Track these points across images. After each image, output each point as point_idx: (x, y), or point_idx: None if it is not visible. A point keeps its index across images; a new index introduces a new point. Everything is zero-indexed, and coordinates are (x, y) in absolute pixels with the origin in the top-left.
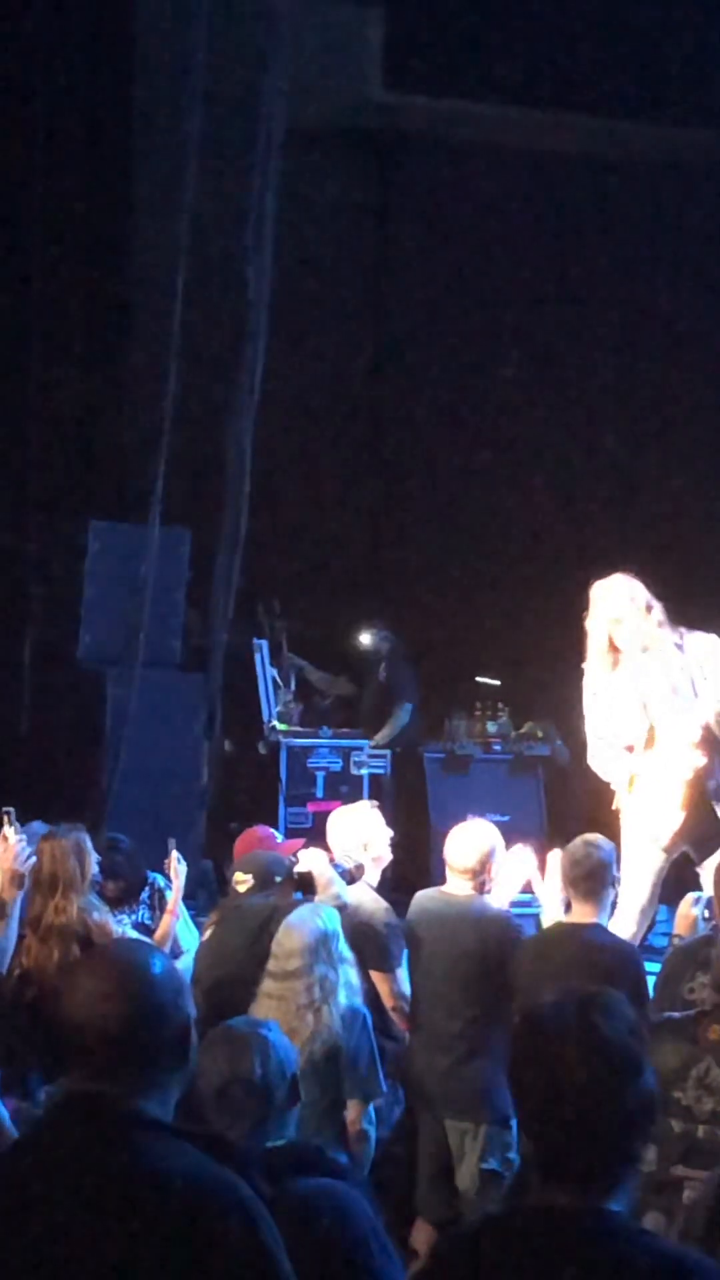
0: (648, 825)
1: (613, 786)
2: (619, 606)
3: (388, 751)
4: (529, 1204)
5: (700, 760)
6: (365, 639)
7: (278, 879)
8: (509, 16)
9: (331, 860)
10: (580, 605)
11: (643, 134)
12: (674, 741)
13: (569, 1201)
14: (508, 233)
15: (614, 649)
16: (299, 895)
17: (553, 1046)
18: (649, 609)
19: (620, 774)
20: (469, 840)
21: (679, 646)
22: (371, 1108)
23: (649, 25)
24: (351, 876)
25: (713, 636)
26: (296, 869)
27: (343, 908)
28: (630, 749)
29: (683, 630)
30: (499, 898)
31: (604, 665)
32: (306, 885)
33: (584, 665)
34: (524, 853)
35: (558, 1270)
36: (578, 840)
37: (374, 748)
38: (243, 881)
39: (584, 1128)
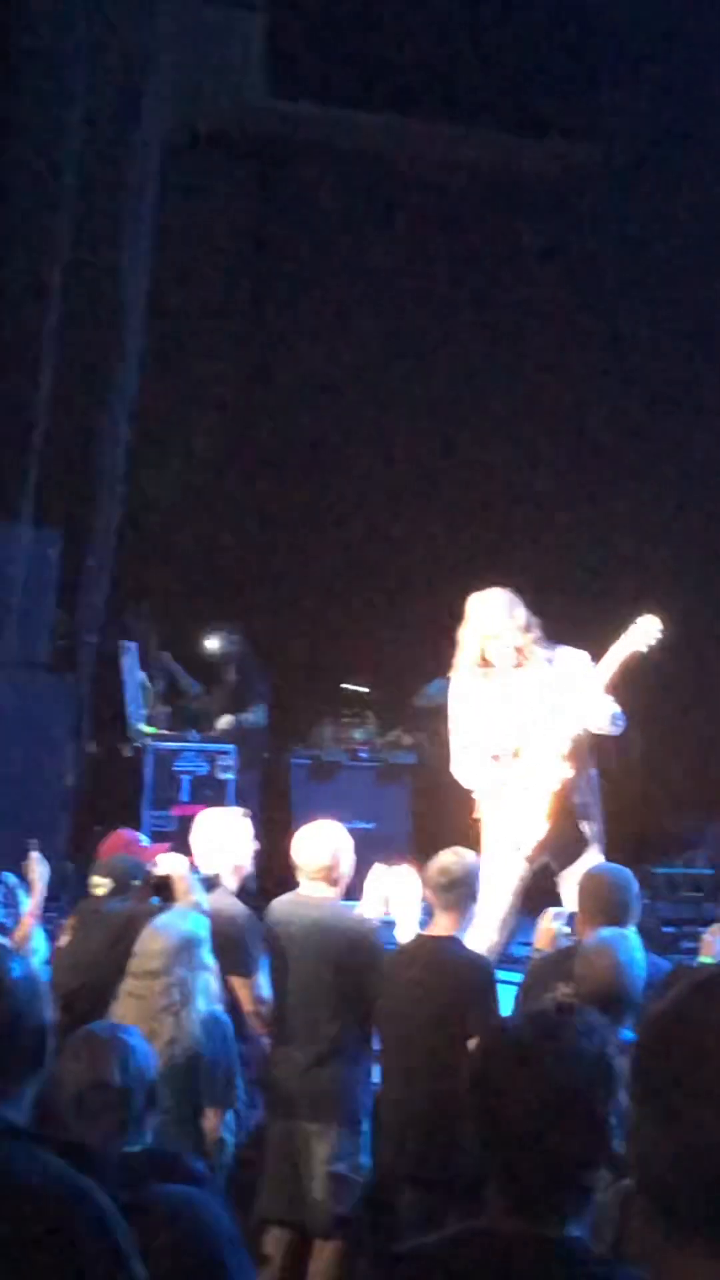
0: (511, 834)
1: (476, 795)
2: (496, 621)
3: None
4: (486, 1229)
5: (568, 772)
6: (213, 643)
7: (135, 883)
8: (394, 25)
9: (192, 865)
10: (446, 613)
11: (517, 146)
12: (542, 753)
13: (527, 1228)
14: (387, 239)
15: (485, 663)
16: (156, 900)
17: (511, 1072)
18: (526, 627)
19: (485, 783)
20: (317, 840)
21: (549, 661)
22: (230, 1115)
23: (528, 40)
24: (210, 883)
25: (582, 653)
26: (155, 873)
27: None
28: (496, 758)
29: (554, 645)
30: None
31: (474, 677)
32: (164, 890)
33: (451, 674)
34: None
35: None
36: (445, 851)
37: (219, 730)
38: (100, 885)
39: (542, 1155)
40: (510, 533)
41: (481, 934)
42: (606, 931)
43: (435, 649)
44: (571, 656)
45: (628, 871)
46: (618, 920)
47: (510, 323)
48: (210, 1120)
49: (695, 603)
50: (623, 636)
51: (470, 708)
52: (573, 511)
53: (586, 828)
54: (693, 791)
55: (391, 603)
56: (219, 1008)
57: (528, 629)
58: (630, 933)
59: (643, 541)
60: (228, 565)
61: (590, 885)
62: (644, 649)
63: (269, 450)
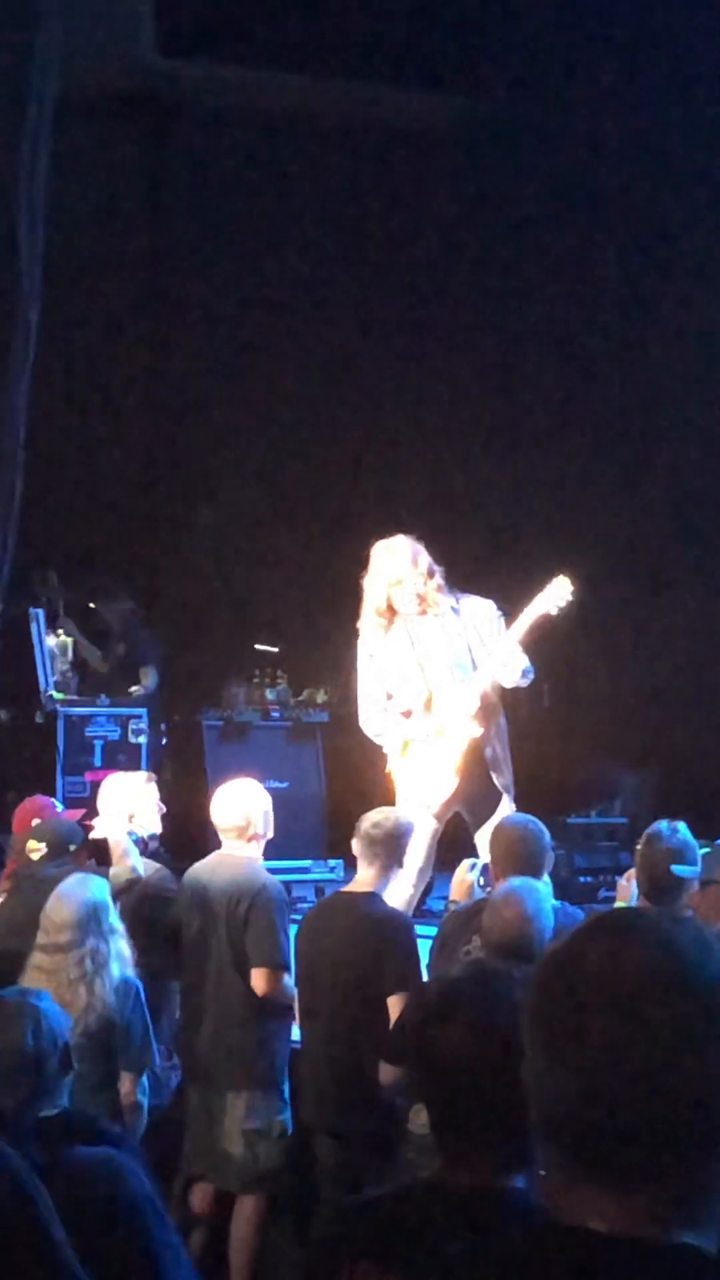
0: (419, 791)
1: (385, 750)
2: (400, 568)
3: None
4: (432, 1183)
5: (476, 731)
6: (102, 608)
7: (72, 847)
8: None
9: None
10: (357, 569)
11: (412, 101)
12: (451, 711)
13: (471, 1181)
14: (280, 198)
15: (390, 610)
16: (93, 864)
17: (448, 1025)
18: (430, 573)
19: (394, 738)
20: (231, 800)
21: (455, 610)
22: (145, 1078)
23: None
24: (145, 845)
25: (488, 601)
26: (92, 836)
27: (137, 879)
28: (407, 714)
29: (458, 594)
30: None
31: (379, 626)
32: (101, 854)
33: (358, 625)
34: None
35: (460, 1249)
36: (376, 810)
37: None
38: (35, 850)
39: (480, 1107)
40: (421, 491)
41: (398, 887)
42: (514, 881)
43: (346, 606)
44: (477, 605)
45: (539, 822)
46: (530, 870)
47: (411, 276)
48: (126, 1085)
49: (605, 553)
50: (536, 598)
51: (377, 660)
52: (486, 469)
53: (498, 779)
54: (607, 742)
55: (303, 561)
56: (131, 971)
57: (431, 575)
58: (539, 882)
59: (553, 495)
60: (137, 530)
61: (502, 837)
62: (554, 611)
63: (172, 409)
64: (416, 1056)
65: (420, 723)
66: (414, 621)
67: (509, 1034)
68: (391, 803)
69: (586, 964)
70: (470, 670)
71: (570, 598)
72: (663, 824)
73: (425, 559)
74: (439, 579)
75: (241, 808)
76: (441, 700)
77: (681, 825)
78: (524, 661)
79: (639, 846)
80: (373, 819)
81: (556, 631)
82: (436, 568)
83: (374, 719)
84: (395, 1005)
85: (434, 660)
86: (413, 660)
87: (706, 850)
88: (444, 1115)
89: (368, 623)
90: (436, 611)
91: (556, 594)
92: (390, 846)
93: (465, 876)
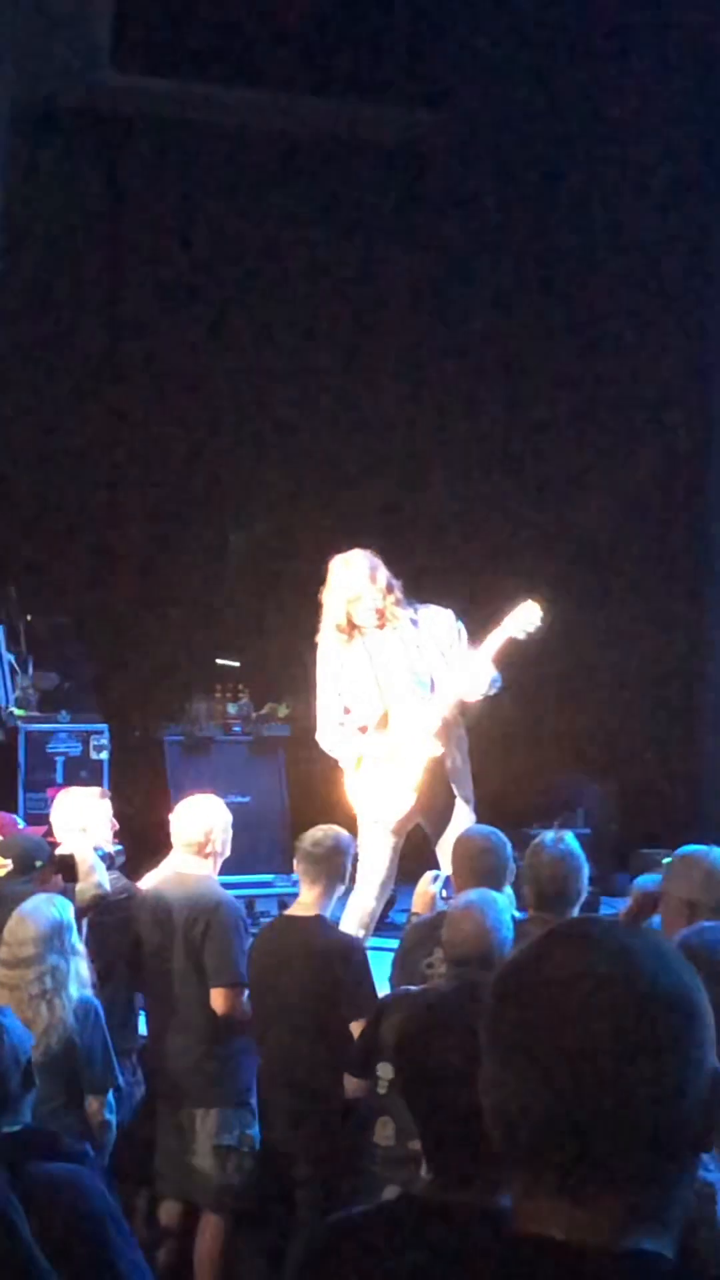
0: (375, 807)
1: (341, 765)
2: (358, 583)
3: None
4: (418, 1199)
5: (437, 750)
6: (35, 621)
7: (38, 863)
8: None
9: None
10: (317, 583)
11: (370, 115)
12: (410, 728)
13: (459, 1198)
14: (240, 214)
15: (350, 625)
16: (60, 880)
17: (444, 1043)
18: (389, 588)
19: (350, 754)
20: (191, 815)
21: (414, 622)
22: (110, 1095)
23: (373, 8)
24: (112, 861)
25: (446, 611)
26: (58, 852)
27: (103, 896)
28: (363, 730)
29: (417, 605)
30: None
31: (338, 641)
32: (68, 870)
33: (317, 639)
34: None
35: (449, 1265)
36: (316, 828)
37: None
38: (1, 866)
39: (475, 1124)
40: (379, 504)
41: (359, 903)
42: (472, 894)
43: (306, 620)
44: (436, 614)
45: (500, 833)
46: (492, 882)
47: (370, 289)
48: (93, 1105)
49: (565, 563)
50: (504, 620)
51: (336, 675)
52: (444, 481)
53: (458, 791)
54: (569, 753)
55: (264, 575)
56: (89, 993)
57: (389, 590)
58: (498, 894)
59: (512, 505)
60: (95, 544)
61: (464, 848)
62: (522, 635)
63: (131, 425)
64: (409, 1075)
65: (375, 739)
66: (373, 636)
67: None
68: (353, 816)
69: (542, 974)
70: (429, 685)
71: (539, 623)
72: (547, 834)
73: (383, 573)
74: (397, 592)
75: (202, 824)
76: (398, 717)
77: (568, 835)
78: (492, 672)
79: (525, 858)
80: (313, 838)
81: (518, 642)
82: (395, 581)
83: (328, 733)
84: (357, 1029)
85: (392, 676)
86: (370, 676)
87: (668, 860)
88: (438, 1133)
89: (327, 638)
90: (395, 625)
91: (524, 618)
92: (332, 865)
93: (427, 889)
